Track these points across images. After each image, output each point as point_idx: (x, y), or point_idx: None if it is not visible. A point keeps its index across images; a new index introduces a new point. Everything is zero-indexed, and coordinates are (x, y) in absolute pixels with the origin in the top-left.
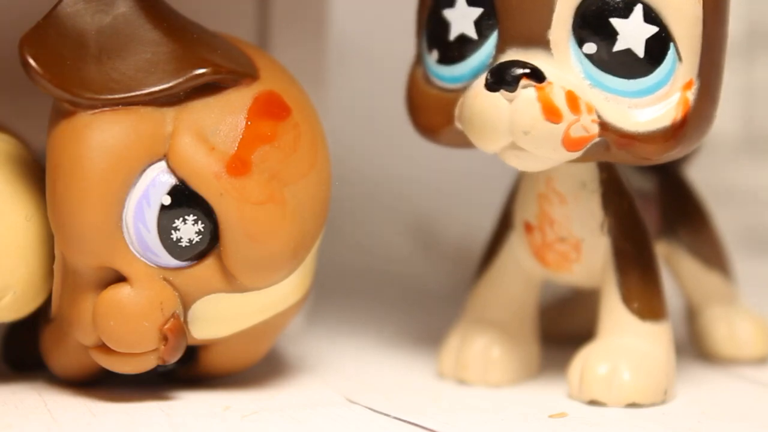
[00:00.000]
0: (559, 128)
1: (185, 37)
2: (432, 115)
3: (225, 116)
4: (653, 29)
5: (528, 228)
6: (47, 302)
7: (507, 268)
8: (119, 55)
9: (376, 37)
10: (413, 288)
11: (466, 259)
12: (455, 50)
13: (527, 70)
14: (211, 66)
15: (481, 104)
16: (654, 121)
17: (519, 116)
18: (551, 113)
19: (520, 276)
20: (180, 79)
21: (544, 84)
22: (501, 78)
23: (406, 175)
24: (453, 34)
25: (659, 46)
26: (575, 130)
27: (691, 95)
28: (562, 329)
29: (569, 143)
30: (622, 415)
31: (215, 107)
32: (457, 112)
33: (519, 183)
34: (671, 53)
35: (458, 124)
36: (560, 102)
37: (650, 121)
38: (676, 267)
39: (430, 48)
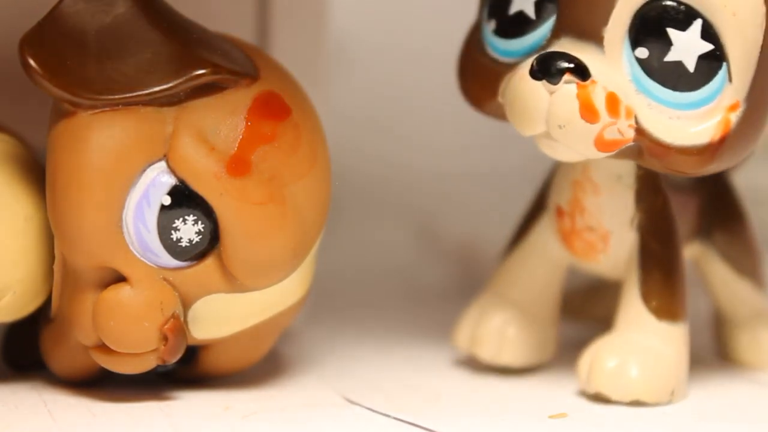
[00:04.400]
0: (594, 128)
1: (185, 37)
2: (480, 84)
3: (225, 116)
4: (708, 46)
5: (559, 212)
6: (47, 302)
7: (535, 249)
8: (119, 55)
9: (376, 37)
10: (414, 287)
11: (468, 259)
12: (512, 26)
13: (572, 65)
14: (211, 66)
15: (523, 89)
16: (692, 136)
17: (556, 109)
18: (588, 112)
19: (546, 258)
20: (180, 79)
21: (587, 82)
22: (546, 68)
23: (406, 174)
24: (513, 9)
25: (712, 63)
26: (610, 133)
27: (734, 117)
28: (587, 313)
29: (601, 144)
30: (623, 414)
31: (215, 107)
32: (502, 87)
33: (557, 167)
34: (722, 72)
35: (501, 99)
36: (599, 103)
37: (688, 135)
38: (707, 270)
39: (489, 17)
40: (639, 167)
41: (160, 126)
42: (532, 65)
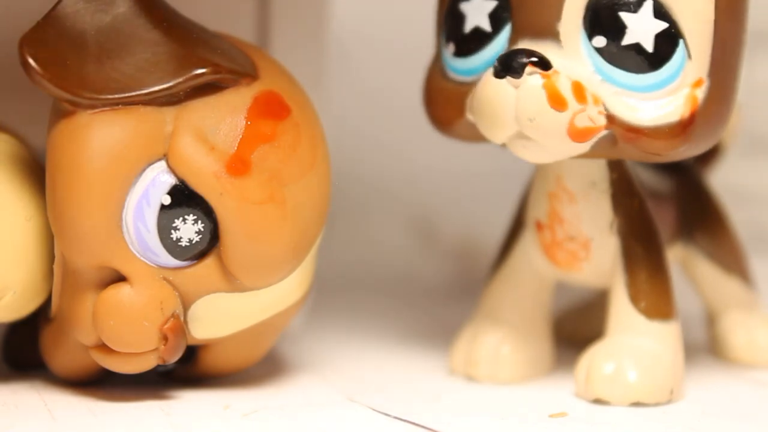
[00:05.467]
0: (564, 117)
1: (185, 37)
2: (445, 107)
3: (225, 116)
4: (663, 25)
5: (539, 226)
6: (47, 302)
7: (520, 267)
8: (119, 55)
9: (375, 37)
10: (414, 287)
11: (468, 258)
12: (470, 43)
13: (534, 59)
14: (211, 66)
15: (489, 91)
16: (661, 116)
17: (524, 103)
18: (556, 101)
19: (532, 275)
20: (180, 79)
21: (550, 72)
22: (508, 65)
23: (406, 173)
24: (468, 27)
25: (669, 42)
26: (580, 120)
27: (700, 93)
28: (584, 332)
29: (574, 133)
30: (623, 414)
31: (215, 107)
32: (468, 103)
33: (532, 182)
34: (681, 50)
35: (469, 116)
36: (566, 90)
37: (657, 116)
38: (694, 271)
39: (447, 41)
40: (612, 172)
41: (159, 126)
42: (494, 66)
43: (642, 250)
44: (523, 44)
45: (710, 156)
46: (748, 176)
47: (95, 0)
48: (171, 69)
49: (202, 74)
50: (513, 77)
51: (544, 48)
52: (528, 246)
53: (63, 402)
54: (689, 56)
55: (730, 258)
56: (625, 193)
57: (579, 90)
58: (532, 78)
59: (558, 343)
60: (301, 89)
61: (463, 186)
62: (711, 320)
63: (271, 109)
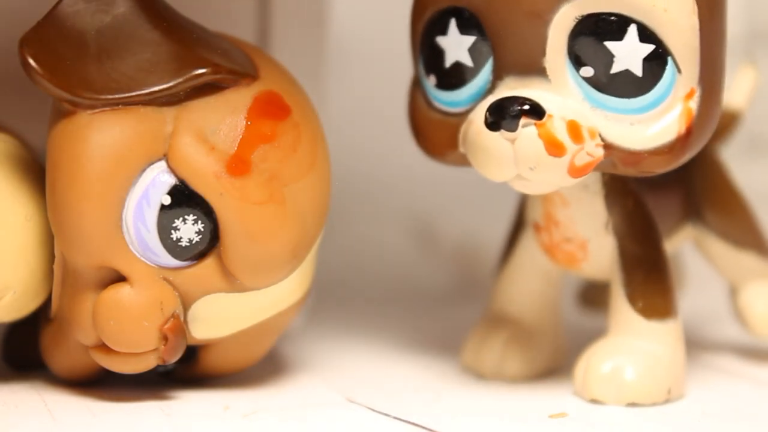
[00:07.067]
0: (564, 160)
1: (185, 37)
2: (436, 139)
3: (225, 116)
4: (649, 47)
5: (537, 228)
6: (47, 302)
7: (525, 263)
8: (119, 55)
9: (376, 36)
10: (413, 288)
11: (466, 259)
12: (452, 77)
13: (526, 107)
14: (211, 66)
15: (484, 142)
16: (658, 135)
17: (522, 154)
18: (554, 148)
19: (538, 270)
20: (180, 79)
21: (544, 120)
22: (500, 117)
23: (406, 174)
24: (449, 62)
25: (657, 62)
26: (580, 159)
27: (693, 104)
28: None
29: (574, 171)
30: (622, 414)
31: (215, 107)
32: (460, 137)
33: None
34: (670, 67)
35: (462, 149)
36: (562, 135)
37: (655, 136)
38: (707, 250)
39: (428, 73)
40: (604, 174)
41: (160, 126)
42: (486, 117)
43: (639, 250)
44: (509, 80)
45: (725, 126)
46: (748, 176)
47: (95, 0)
48: (171, 69)
49: (202, 74)
50: (508, 130)
51: (531, 84)
52: (530, 245)
53: (63, 402)
54: (679, 71)
55: (743, 232)
56: (618, 192)
57: (574, 130)
58: (528, 129)
59: (566, 339)
60: (301, 89)
61: (462, 187)
62: (732, 293)
63: (271, 110)
